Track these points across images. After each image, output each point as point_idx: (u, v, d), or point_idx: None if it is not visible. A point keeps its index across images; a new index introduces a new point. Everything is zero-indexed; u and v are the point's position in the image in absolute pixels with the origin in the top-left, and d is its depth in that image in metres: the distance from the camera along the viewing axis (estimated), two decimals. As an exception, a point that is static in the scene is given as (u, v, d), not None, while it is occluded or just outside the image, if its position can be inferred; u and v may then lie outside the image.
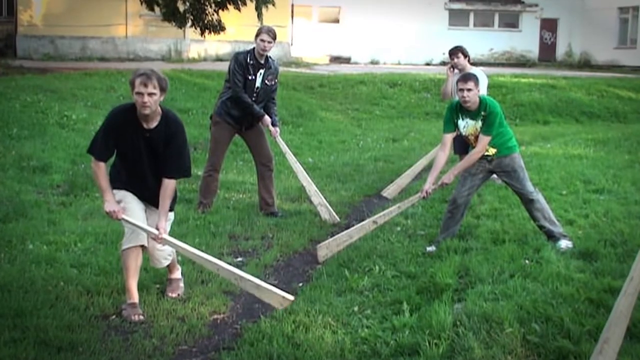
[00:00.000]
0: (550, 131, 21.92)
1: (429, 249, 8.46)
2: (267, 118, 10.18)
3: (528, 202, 8.56)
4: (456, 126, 8.49)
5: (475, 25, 44.83)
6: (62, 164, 12.69)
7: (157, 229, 6.48)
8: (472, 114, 8.32)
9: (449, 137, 8.58)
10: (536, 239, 8.48)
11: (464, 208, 8.76)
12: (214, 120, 10.36)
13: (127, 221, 6.48)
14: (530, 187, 8.55)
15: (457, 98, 8.59)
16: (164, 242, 6.53)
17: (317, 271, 7.91)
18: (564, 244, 8.30)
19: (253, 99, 10.07)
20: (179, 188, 11.08)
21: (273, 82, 10.23)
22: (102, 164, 6.51)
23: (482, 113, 8.27)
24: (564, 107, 26.29)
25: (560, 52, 45.45)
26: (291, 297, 6.37)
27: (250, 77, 10.00)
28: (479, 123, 8.29)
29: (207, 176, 10.32)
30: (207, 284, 7.32)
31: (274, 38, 10.05)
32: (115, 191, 6.60)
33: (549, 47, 45.46)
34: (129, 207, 6.62)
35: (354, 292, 7.12)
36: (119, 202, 6.56)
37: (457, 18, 44.32)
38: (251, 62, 10.01)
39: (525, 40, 44.24)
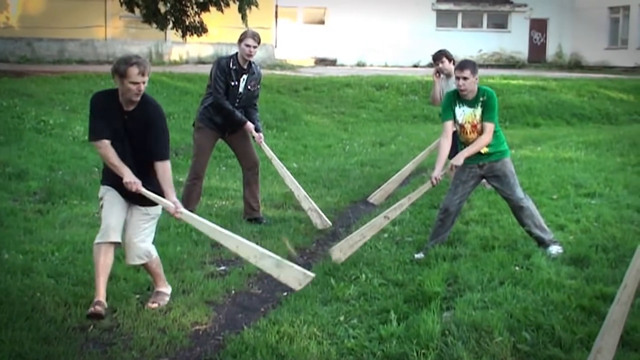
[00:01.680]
0: (541, 134, 21.97)
1: (417, 255, 8.44)
2: (250, 124, 10.14)
3: (518, 209, 8.55)
4: (454, 113, 8.47)
5: (463, 26, 44.99)
6: (38, 171, 12.65)
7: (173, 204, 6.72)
8: (470, 102, 8.35)
9: (449, 124, 8.52)
10: (526, 245, 8.49)
11: (455, 216, 8.75)
12: (196, 127, 10.31)
13: (145, 194, 6.63)
14: (520, 193, 8.54)
15: None
16: (182, 216, 6.78)
17: (302, 280, 7.88)
18: (555, 249, 8.31)
19: (236, 104, 10.04)
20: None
21: (256, 88, 10.22)
22: (106, 142, 6.62)
23: (481, 99, 8.31)
24: (555, 109, 26.36)
25: (550, 52, 45.61)
26: (312, 274, 6.66)
27: (233, 83, 9.97)
28: (478, 110, 8.29)
29: (190, 184, 10.26)
30: (189, 293, 7.27)
31: (259, 42, 10.07)
32: (101, 187, 6.87)
33: (538, 47, 45.62)
34: (109, 200, 6.77)
35: (339, 301, 7.09)
36: (100, 198, 6.81)
37: (445, 19, 44.45)
38: (234, 67, 9.99)
39: (514, 41, 44.39)
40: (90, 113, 6.74)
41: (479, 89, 8.39)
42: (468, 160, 8.44)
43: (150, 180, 6.73)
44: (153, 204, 6.86)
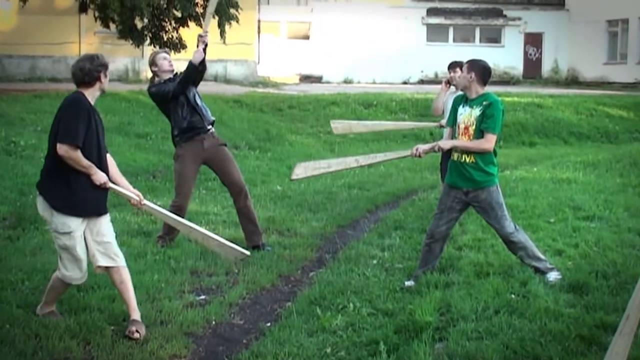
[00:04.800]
0: (537, 153, 22.02)
1: (407, 283, 8.42)
2: (198, 53, 10.06)
3: (509, 243, 8.53)
4: (456, 114, 8.56)
5: (455, 40, 45.15)
6: (8, 195, 12.59)
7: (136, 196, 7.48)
8: (472, 102, 8.42)
9: (449, 131, 8.74)
10: (522, 271, 8.44)
11: (443, 242, 8.74)
12: (176, 155, 10.28)
13: (114, 189, 7.27)
14: (509, 227, 8.45)
15: (447, 115, 8.78)
16: (145, 207, 7.59)
17: (286, 310, 7.85)
18: (553, 276, 8.29)
19: (202, 111, 10.18)
20: (136, 220, 11.08)
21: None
22: (79, 150, 6.97)
23: (484, 102, 8.35)
24: (551, 127, 26.46)
25: (546, 68, 45.82)
26: (247, 253, 8.18)
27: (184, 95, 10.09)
28: (475, 111, 8.32)
29: (174, 211, 10.08)
30: (167, 324, 7.24)
31: (169, 53, 10.45)
32: (66, 217, 7.01)
33: (534, 63, 45.80)
34: (80, 243, 7.06)
35: (326, 332, 7.06)
36: (68, 232, 6.98)
37: (435, 33, 44.59)
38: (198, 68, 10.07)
39: (508, 56, 44.52)
40: (79, 115, 7.01)
41: (486, 94, 8.47)
42: (454, 181, 8.45)
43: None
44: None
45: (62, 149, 6.87)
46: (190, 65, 9.96)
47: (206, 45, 10.03)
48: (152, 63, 10.26)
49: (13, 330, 6.82)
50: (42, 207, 7.12)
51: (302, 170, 8.87)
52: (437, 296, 7.68)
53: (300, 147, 21.45)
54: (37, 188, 7.21)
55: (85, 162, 6.95)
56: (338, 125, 11.42)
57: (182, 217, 10.17)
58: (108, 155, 7.36)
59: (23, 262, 9.11)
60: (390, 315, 7.43)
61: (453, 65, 11.50)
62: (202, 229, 8.08)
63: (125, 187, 7.45)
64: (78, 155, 6.91)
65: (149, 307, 7.54)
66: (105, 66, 7.19)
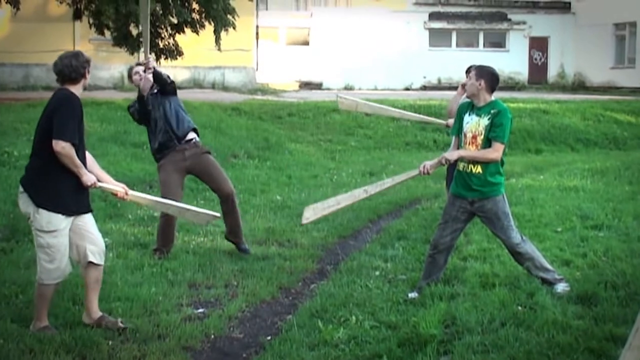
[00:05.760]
0: (543, 161, 22.00)
1: (411, 295, 8.41)
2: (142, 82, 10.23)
3: (515, 254, 8.52)
4: (462, 123, 8.57)
5: (458, 45, 45.10)
6: (2, 206, 12.56)
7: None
8: (479, 110, 8.43)
9: (454, 139, 8.73)
10: (529, 282, 8.44)
11: (447, 253, 8.72)
12: (159, 165, 10.34)
13: (102, 187, 7.61)
14: (515, 237, 8.43)
15: None
16: (130, 197, 7.81)
17: (287, 323, 7.84)
18: (561, 287, 8.27)
19: (174, 127, 10.24)
20: (133, 232, 11.07)
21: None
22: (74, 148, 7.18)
23: (492, 111, 8.35)
24: (558, 134, 26.42)
25: (552, 73, 45.77)
26: (217, 214, 9.03)
27: (154, 108, 10.21)
28: (483, 120, 8.33)
29: (164, 224, 10.13)
30: (165, 339, 7.22)
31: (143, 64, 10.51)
32: (52, 215, 7.12)
33: (539, 68, 45.77)
34: (64, 241, 7.19)
35: (328, 345, 7.05)
36: (53, 231, 7.10)
37: (438, 38, 44.58)
38: (145, 97, 10.14)
39: (513, 60, 44.46)
40: (72, 112, 7.20)
41: (493, 101, 8.49)
42: (459, 191, 8.45)
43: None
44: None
45: (59, 145, 6.97)
46: (138, 94, 10.09)
47: (153, 70, 10.11)
48: (129, 78, 10.56)
49: (7, 345, 6.81)
50: (25, 204, 7.20)
51: (311, 212, 8.96)
52: (442, 308, 7.66)
53: (300, 156, 21.41)
54: (22, 185, 7.25)
55: (78, 161, 7.09)
56: (344, 101, 11.86)
57: (173, 227, 10.29)
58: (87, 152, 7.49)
59: (17, 275, 9.08)
60: (394, 328, 7.41)
61: (471, 70, 11.52)
62: (178, 203, 8.81)
63: (109, 182, 7.66)
64: (73, 153, 7.04)
65: (146, 320, 7.53)
66: (89, 62, 7.41)
